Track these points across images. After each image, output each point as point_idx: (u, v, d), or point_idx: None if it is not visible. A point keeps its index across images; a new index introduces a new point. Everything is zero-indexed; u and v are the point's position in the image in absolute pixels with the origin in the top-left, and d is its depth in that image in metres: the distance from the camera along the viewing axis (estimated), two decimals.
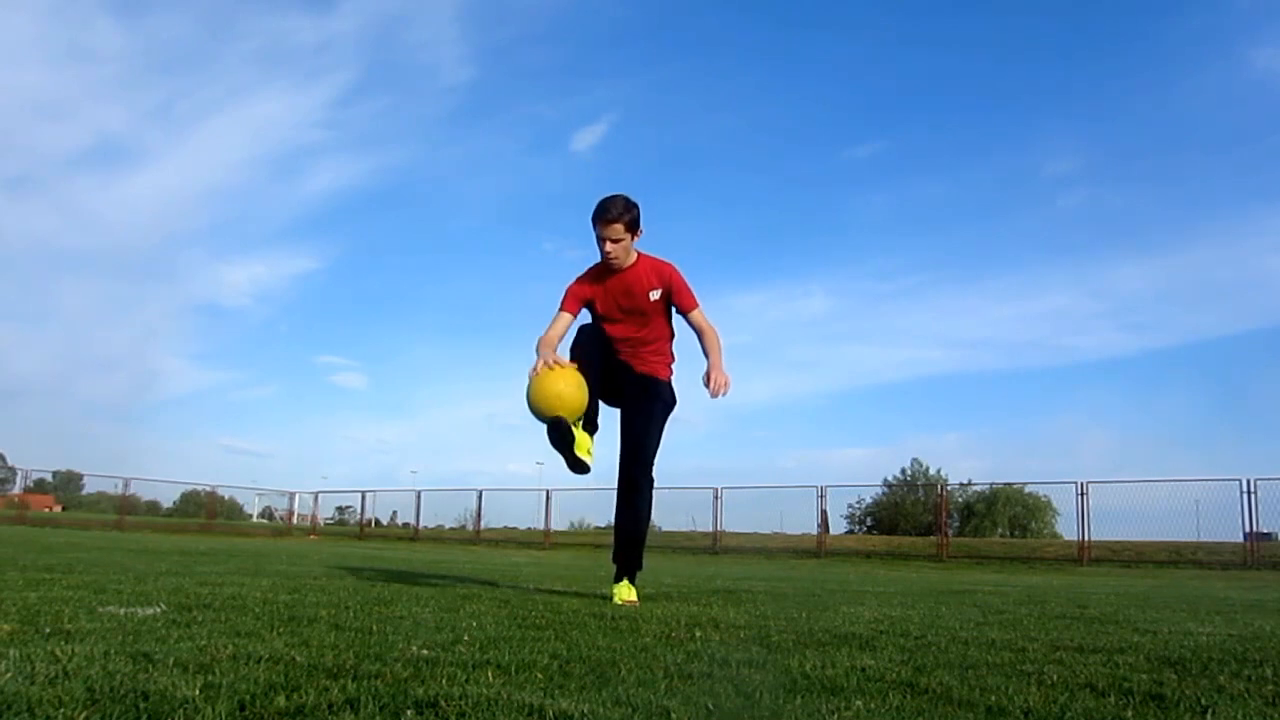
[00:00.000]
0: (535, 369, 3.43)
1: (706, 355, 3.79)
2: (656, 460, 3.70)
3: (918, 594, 5.19)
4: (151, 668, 1.54)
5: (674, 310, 3.78)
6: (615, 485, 3.70)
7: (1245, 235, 59.62)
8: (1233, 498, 16.47)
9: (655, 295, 3.68)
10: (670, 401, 3.76)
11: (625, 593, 3.65)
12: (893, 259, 72.47)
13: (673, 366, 3.81)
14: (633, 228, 3.61)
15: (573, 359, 3.60)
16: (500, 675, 1.62)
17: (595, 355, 3.62)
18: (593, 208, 3.60)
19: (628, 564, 3.71)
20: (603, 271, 3.69)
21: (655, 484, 3.71)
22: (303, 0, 69.05)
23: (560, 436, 3.46)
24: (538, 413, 3.44)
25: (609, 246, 3.58)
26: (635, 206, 3.60)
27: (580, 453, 3.53)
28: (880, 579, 8.43)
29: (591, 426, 3.67)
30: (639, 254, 3.70)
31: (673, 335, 3.83)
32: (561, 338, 3.70)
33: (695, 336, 3.82)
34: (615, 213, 3.55)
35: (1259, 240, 59.98)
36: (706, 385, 3.63)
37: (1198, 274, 63.13)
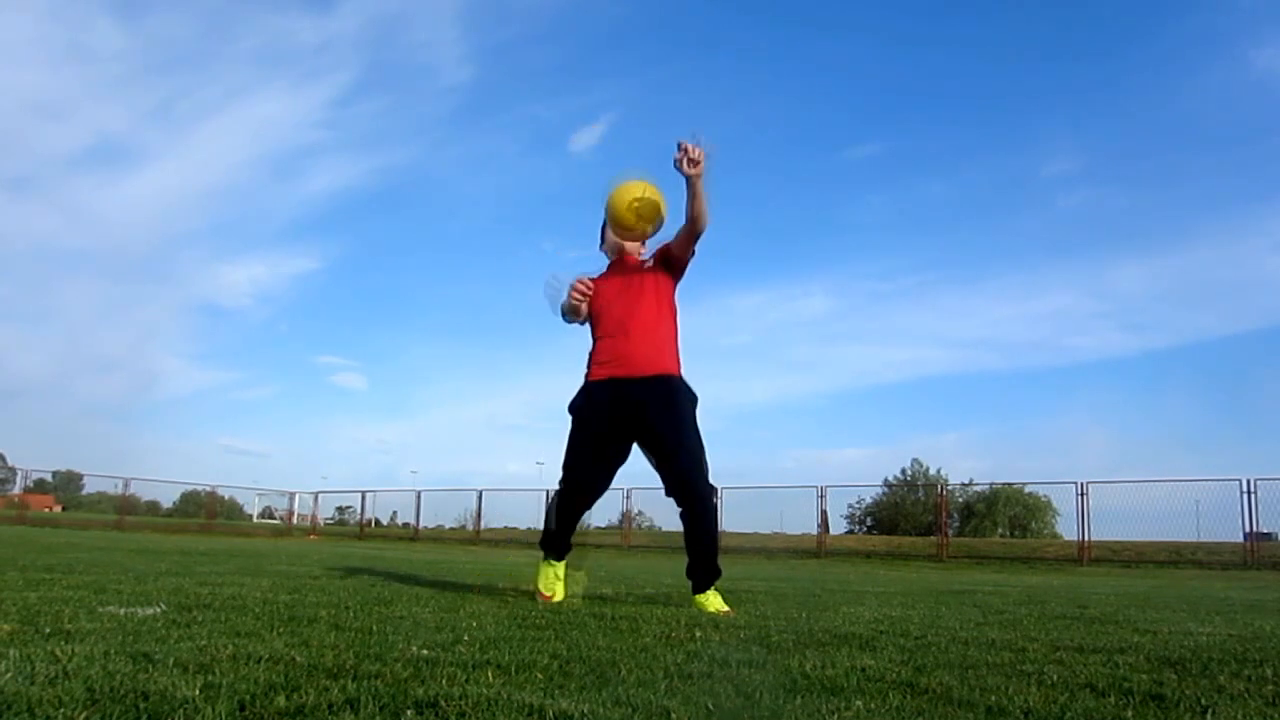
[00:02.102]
0: (567, 297, 3.56)
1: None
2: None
3: (918, 594, 5.19)
4: (151, 668, 1.54)
5: (670, 260, 3.57)
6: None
7: (1245, 235, 59.74)
8: (1233, 498, 16.48)
9: (645, 256, 3.66)
10: (693, 396, 3.51)
11: (716, 601, 3.36)
12: (893, 259, 72.64)
13: (680, 362, 3.57)
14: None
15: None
16: (500, 675, 1.62)
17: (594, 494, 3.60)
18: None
19: (710, 573, 3.41)
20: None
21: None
22: (302, 0, 69.08)
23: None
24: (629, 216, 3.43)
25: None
26: None
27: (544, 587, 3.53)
28: (880, 579, 8.42)
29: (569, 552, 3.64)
30: None
31: (675, 322, 3.61)
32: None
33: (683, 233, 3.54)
34: None
35: (1259, 240, 60.08)
36: (681, 162, 3.33)
37: (1198, 274, 63.24)
